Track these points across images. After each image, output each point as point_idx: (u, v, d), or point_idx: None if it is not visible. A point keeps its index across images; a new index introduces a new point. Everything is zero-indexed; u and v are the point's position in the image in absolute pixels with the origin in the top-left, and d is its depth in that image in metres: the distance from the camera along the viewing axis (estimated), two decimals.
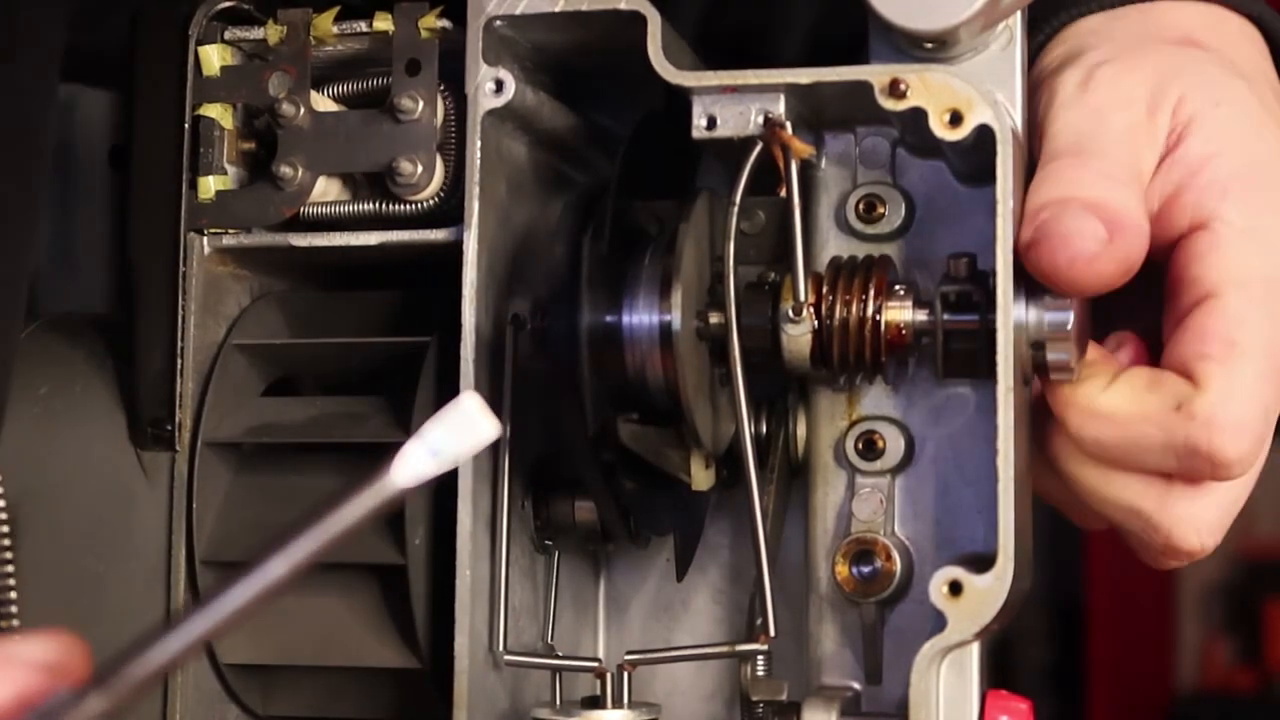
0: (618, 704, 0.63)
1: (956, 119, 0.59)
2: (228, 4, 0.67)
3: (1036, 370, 0.60)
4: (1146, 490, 0.62)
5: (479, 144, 0.63)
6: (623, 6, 0.61)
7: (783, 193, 0.60)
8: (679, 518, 0.66)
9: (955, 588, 0.57)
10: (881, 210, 0.64)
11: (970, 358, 0.61)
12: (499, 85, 0.63)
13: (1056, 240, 0.58)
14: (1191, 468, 0.60)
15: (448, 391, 0.62)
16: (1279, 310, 0.60)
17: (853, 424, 0.64)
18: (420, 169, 0.64)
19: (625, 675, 0.63)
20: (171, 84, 0.66)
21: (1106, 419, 0.61)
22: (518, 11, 0.62)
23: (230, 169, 0.66)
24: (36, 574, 0.64)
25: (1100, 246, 0.58)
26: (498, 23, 0.63)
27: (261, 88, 0.66)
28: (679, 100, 0.61)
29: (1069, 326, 0.60)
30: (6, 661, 0.42)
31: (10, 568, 0.62)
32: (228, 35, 0.67)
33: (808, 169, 0.64)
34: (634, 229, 0.64)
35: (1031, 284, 0.60)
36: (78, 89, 0.80)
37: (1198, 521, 0.62)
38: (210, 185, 0.66)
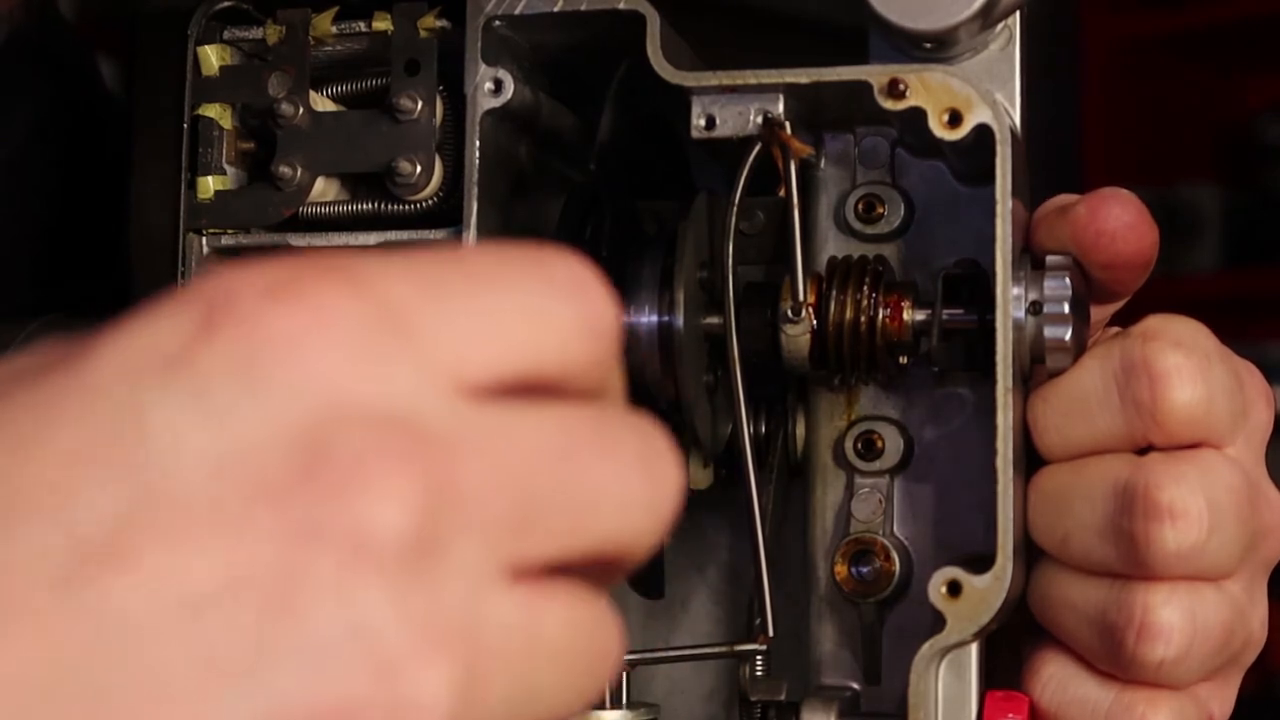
0: (616, 704, 0.63)
1: (956, 119, 0.59)
2: (227, 4, 0.67)
3: (1032, 351, 0.60)
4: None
5: (478, 144, 0.63)
6: (622, 6, 0.61)
7: (782, 193, 0.60)
8: None
9: (954, 588, 0.57)
10: (881, 210, 0.64)
11: (969, 350, 0.61)
12: (498, 85, 0.63)
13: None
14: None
15: None
16: None
17: (852, 424, 0.64)
18: (419, 169, 0.64)
19: (624, 675, 0.63)
20: (171, 84, 0.66)
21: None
22: (517, 11, 0.62)
23: (229, 169, 0.66)
24: None
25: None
26: (497, 23, 0.63)
27: (260, 88, 0.66)
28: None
29: (1067, 289, 0.60)
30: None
31: None
32: (227, 35, 0.67)
33: (807, 169, 0.64)
34: (634, 229, 0.64)
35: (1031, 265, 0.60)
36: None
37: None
38: (209, 185, 0.66)
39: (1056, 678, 0.61)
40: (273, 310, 0.32)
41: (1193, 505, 0.58)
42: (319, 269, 0.33)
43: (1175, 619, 0.58)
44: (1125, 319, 0.65)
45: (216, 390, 0.32)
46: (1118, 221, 0.60)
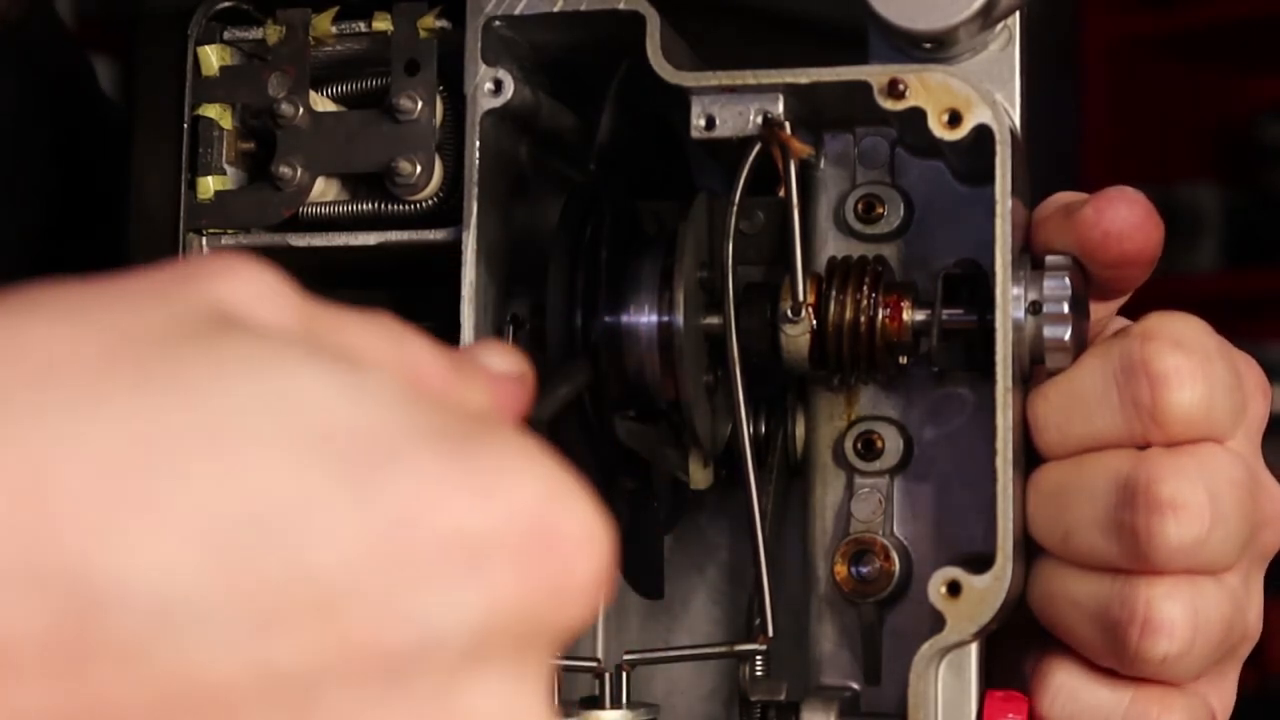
0: (616, 704, 0.63)
1: (955, 119, 0.59)
2: (227, 4, 0.67)
3: (1032, 351, 0.60)
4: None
5: (478, 144, 0.63)
6: (622, 6, 0.61)
7: (782, 193, 0.60)
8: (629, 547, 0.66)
9: (954, 588, 0.57)
10: (880, 210, 0.64)
11: (969, 350, 0.61)
12: (498, 85, 0.63)
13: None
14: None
15: None
16: None
17: (851, 424, 0.64)
18: (419, 169, 0.64)
19: (624, 675, 0.63)
20: (171, 84, 0.67)
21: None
22: (517, 12, 0.62)
23: (229, 169, 0.66)
24: None
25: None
26: (497, 23, 0.63)
27: (260, 88, 0.66)
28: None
29: (1066, 289, 0.60)
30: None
31: None
32: (227, 35, 0.67)
33: (806, 169, 0.64)
34: (634, 229, 0.64)
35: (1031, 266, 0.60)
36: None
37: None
38: (209, 185, 0.66)
39: (1066, 687, 0.61)
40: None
41: (1194, 499, 0.58)
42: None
43: (1177, 614, 0.58)
44: (1125, 318, 0.65)
45: None
46: (1125, 222, 0.60)
